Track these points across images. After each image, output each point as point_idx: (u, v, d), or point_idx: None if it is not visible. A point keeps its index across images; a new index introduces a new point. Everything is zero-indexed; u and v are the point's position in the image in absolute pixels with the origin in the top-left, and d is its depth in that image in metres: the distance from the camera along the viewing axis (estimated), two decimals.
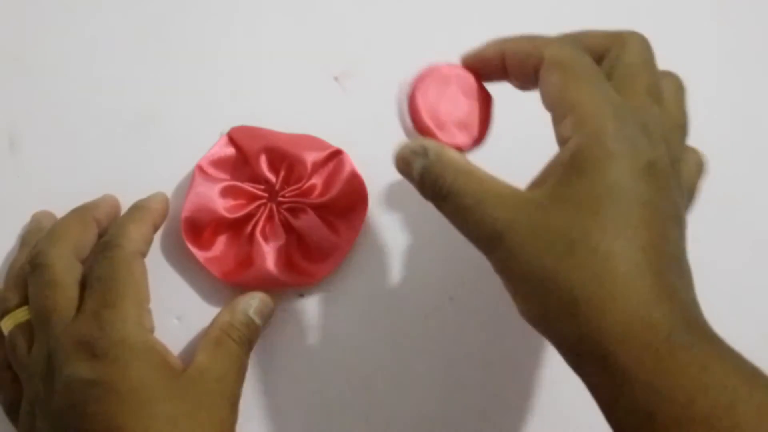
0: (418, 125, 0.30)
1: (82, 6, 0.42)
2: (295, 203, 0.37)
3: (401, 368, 0.38)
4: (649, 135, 0.27)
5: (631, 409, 0.25)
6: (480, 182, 0.28)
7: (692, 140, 0.42)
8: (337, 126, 0.39)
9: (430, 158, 0.28)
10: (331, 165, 0.38)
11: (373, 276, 0.39)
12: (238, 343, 0.33)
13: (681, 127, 0.30)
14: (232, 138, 0.38)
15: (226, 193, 0.37)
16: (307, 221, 0.37)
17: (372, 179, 0.38)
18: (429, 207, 0.40)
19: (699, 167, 0.32)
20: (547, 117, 0.29)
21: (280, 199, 0.37)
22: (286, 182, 0.38)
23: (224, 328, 0.34)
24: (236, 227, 0.37)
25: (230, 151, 0.38)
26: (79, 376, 0.29)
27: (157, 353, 0.31)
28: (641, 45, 0.29)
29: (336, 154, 0.38)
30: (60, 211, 0.37)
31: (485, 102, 0.32)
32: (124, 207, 0.37)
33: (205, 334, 0.34)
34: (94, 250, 0.33)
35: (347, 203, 0.38)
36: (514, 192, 0.27)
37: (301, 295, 0.38)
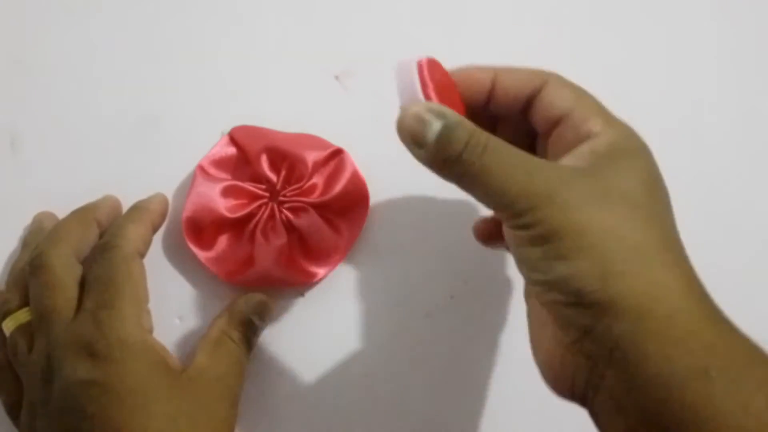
0: (427, 96, 0.28)
1: (82, 7, 0.42)
2: (296, 203, 0.37)
3: (402, 367, 0.38)
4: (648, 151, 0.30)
5: (687, 368, 0.24)
6: (516, 148, 0.27)
7: (693, 140, 0.42)
8: (337, 125, 0.39)
9: (453, 119, 0.27)
10: (332, 164, 0.38)
11: (374, 275, 0.39)
12: (238, 344, 0.34)
13: None
14: (233, 138, 0.38)
15: (228, 192, 0.37)
16: (308, 221, 0.37)
17: (373, 178, 0.38)
18: (429, 206, 0.40)
19: None
20: None
21: (281, 198, 0.38)
22: (287, 182, 0.38)
23: (224, 328, 0.34)
24: (237, 227, 0.37)
25: (231, 150, 0.38)
26: (78, 376, 0.30)
27: (155, 353, 0.31)
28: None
29: (337, 154, 0.38)
30: (61, 211, 0.37)
31: (464, 110, 0.32)
32: (126, 207, 0.37)
33: (204, 334, 0.34)
34: (93, 251, 0.33)
35: (348, 202, 0.38)
36: (550, 163, 0.28)
37: (302, 295, 0.38)
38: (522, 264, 0.28)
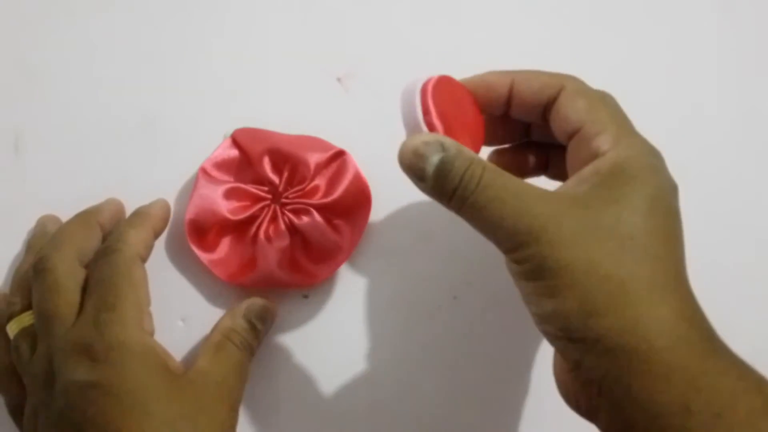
0: (429, 123, 0.29)
1: (84, 11, 0.42)
2: (299, 204, 0.37)
3: (405, 368, 0.38)
4: (664, 161, 0.29)
5: (668, 403, 0.25)
6: (510, 178, 0.27)
7: (693, 140, 0.42)
8: (340, 127, 0.39)
9: (450, 151, 0.27)
10: (334, 166, 0.38)
11: (376, 276, 0.39)
12: (240, 348, 0.34)
13: None
14: (236, 140, 0.38)
15: (230, 195, 0.37)
16: (311, 222, 0.37)
17: (375, 180, 0.38)
18: (432, 207, 0.40)
19: None
20: None
21: (284, 200, 0.38)
22: (290, 183, 0.38)
23: (226, 332, 0.34)
24: (240, 229, 0.37)
25: (233, 153, 0.38)
26: (78, 379, 0.30)
27: (156, 356, 0.31)
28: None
29: (339, 155, 0.38)
30: (65, 214, 0.37)
31: (480, 121, 0.32)
32: (129, 210, 0.38)
33: (206, 338, 0.34)
34: (96, 255, 0.33)
35: (351, 204, 0.38)
36: (549, 191, 0.28)
37: (305, 296, 0.38)
38: (521, 293, 0.28)
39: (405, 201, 0.39)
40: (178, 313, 0.37)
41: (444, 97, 0.29)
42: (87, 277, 0.33)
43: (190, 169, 0.39)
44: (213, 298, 0.38)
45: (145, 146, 0.40)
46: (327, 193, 0.37)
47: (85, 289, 0.33)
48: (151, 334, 0.32)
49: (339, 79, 0.41)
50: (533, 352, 0.38)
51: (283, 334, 0.38)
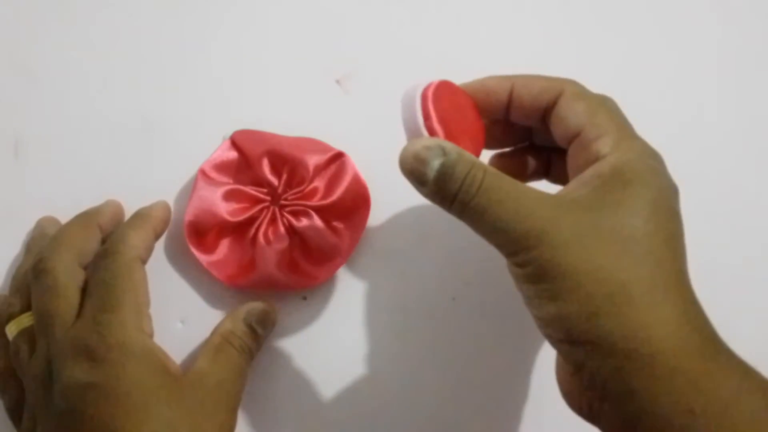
0: (430, 128, 0.29)
1: (84, 13, 0.42)
2: (298, 206, 0.37)
3: (404, 369, 0.38)
4: (664, 164, 0.30)
5: (671, 404, 0.25)
6: (511, 182, 0.27)
7: (694, 141, 0.42)
8: (338, 129, 0.39)
9: (451, 156, 0.27)
10: (333, 168, 0.38)
11: (375, 278, 0.39)
12: (239, 351, 0.34)
13: None
14: (235, 142, 0.38)
15: (229, 196, 0.37)
16: (310, 224, 0.37)
17: (374, 181, 0.38)
18: (431, 208, 0.40)
19: None
20: None
21: (283, 202, 0.38)
22: (289, 185, 0.38)
23: (225, 335, 0.34)
24: (239, 231, 0.37)
25: (233, 154, 0.39)
26: (77, 379, 0.30)
27: (155, 357, 0.31)
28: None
29: (338, 157, 0.38)
30: (64, 216, 0.37)
31: (481, 125, 0.32)
32: (129, 211, 0.38)
33: (206, 340, 0.34)
34: (96, 256, 0.33)
35: (350, 206, 0.38)
36: (549, 194, 0.28)
37: (304, 298, 0.38)
38: (522, 296, 0.29)
39: (404, 203, 0.39)
40: (177, 314, 0.37)
41: (444, 101, 0.30)
42: (87, 278, 0.33)
43: (190, 171, 0.39)
44: (212, 299, 0.38)
45: (144, 148, 0.40)
46: (326, 195, 0.38)
47: (84, 291, 0.33)
48: (151, 335, 0.32)
49: (338, 81, 0.41)
50: (532, 353, 0.38)
51: (282, 336, 0.38)
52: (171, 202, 0.38)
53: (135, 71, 0.41)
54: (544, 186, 0.32)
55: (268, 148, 0.38)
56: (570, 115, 0.30)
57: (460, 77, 0.32)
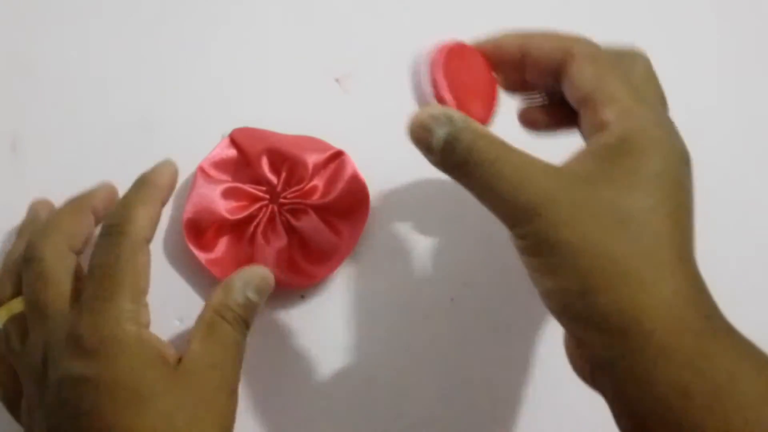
0: (438, 95, 0.29)
1: (83, 9, 0.42)
2: (297, 205, 0.37)
3: (402, 369, 0.38)
4: (674, 130, 0.28)
5: (666, 384, 0.25)
6: (515, 152, 0.27)
7: (694, 140, 0.42)
8: (338, 127, 0.39)
9: (457, 125, 0.27)
10: (332, 166, 0.38)
11: (374, 277, 0.39)
12: (233, 325, 0.32)
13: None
14: (234, 139, 0.38)
15: (228, 194, 0.37)
16: (309, 223, 0.37)
17: (373, 180, 0.38)
18: (429, 208, 0.40)
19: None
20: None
21: (282, 200, 0.38)
22: (288, 184, 0.38)
23: (218, 309, 0.32)
24: (238, 229, 0.37)
25: (232, 152, 0.38)
26: (71, 372, 0.29)
27: (151, 347, 0.30)
28: (648, 62, 0.31)
29: (337, 156, 0.38)
30: None
31: (493, 84, 0.32)
32: None
33: (199, 316, 0.32)
34: (101, 230, 0.32)
35: (349, 204, 0.38)
36: (553, 166, 0.27)
37: (303, 297, 0.38)
38: (525, 268, 0.28)
39: (403, 202, 0.39)
40: (176, 312, 0.37)
41: (453, 65, 0.29)
42: (91, 255, 0.31)
43: (188, 169, 0.39)
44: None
45: (143, 145, 0.40)
46: (325, 194, 0.37)
47: (77, 276, 0.32)
48: (147, 325, 0.31)
49: (337, 80, 0.41)
50: (531, 354, 0.38)
51: (279, 335, 0.38)
52: (170, 200, 0.38)
53: (134, 68, 0.41)
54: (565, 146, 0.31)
55: (267, 146, 0.38)
56: (578, 80, 0.29)
57: None
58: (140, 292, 0.31)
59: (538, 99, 0.33)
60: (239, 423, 0.32)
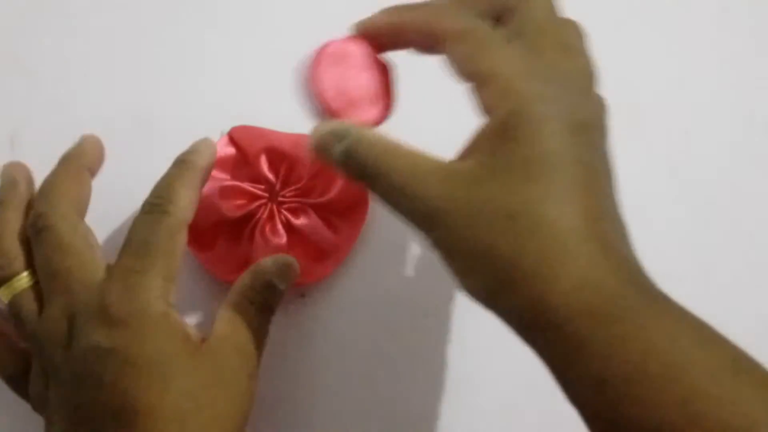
0: (326, 108, 0.29)
1: (82, 8, 0.42)
2: (296, 203, 0.37)
3: (402, 367, 0.38)
4: (571, 93, 0.27)
5: (584, 376, 0.24)
6: (407, 158, 0.27)
7: (694, 141, 0.42)
8: None
9: (351, 139, 0.27)
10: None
11: (374, 275, 0.39)
12: (258, 309, 0.32)
13: (592, 76, 0.29)
14: (233, 138, 0.38)
15: (227, 193, 0.37)
16: (308, 221, 0.37)
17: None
18: None
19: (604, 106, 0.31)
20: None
21: (281, 199, 0.37)
22: (287, 182, 0.38)
23: (244, 292, 0.32)
24: (237, 227, 0.37)
25: (230, 151, 0.38)
26: (97, 343, 0.28)
27: (177, 325, 0.30)
28: (571, 31, 0.29)
29: None
30: None
31: (385, 71, 0.31)
32: (125, 209, 0.37)
33: (225, 299, 0.32)
34: (143, 207, 0.32)
35: (348, 203, 0.38)
36: (444, 166, 0.26)
37: (302, 295, 0.38)
38: None
39: None
40: None
41: (336, 70, 0.29)
42: (130, 230, 0.31)
43: None
44: (208, 296, 0.37)
45: (141, 143, 0.40)
46: (324, 192, 0.37)
47: (90, 243, 0.32)
48: (174, 306, 0.31)
49: None
50: (530, 351, 0.38)
51: (279, 334, 0.38)
52: None
53: (133, 66, 0.41)
54: None
55: (266, 144, 0.38)
56: (454, 64, 0.28)
57: None
58: (172, 272, 0.31)
59: None
60: None
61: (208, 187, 0.37)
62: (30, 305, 0.31)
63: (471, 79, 0.27)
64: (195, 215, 0.36)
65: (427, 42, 0.29)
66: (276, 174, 0.38)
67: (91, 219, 0.34)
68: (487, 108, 0.27)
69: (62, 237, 0.31)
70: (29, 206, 0.34)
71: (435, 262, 0.39)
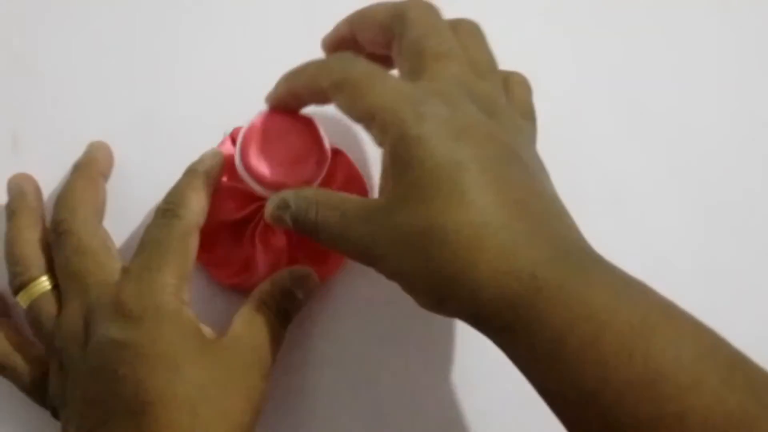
0: (266, 184, 0.33)
1: (84, 8, 0.42)
2: None
3: (403, 368, 0.38)
4: (449, 101, 0.29)
5: (520, 357, 0.27)
6: (337, 208, 0.29)
7: (695, 140, 0.42)
8: (336, 126, 0.39)
9: (293, 207, 0.30)
10: (330, 165, 0.38)
11: (374, 276, 0.38)
12: (276, 315, 0.34)
13: (486, 66, 0.32)
14: (234, 139, 0.38)
15: (226, 195, 0.37)
16: None
17: (372, 179, 0.38)
18: None
19: (524, 86, 0.34)
20: None
21: None
22: None
23: (264, 298, 0.34)
24: (236, 229, 0.37)
25: (230, 151, 0.38)
26: (112, 337, 0.30)
27: (190, 322, 0.31)
28: (420, 11, 0.32)
29: (335, 154, 0.38)
30: None
31: (309, 126, 0.34)
32: (126, 210, 0.38)
33: (245, 303, 0.34)
34: (156, 212, 0.33)
35: None
36: (366, 206, 0.29)
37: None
38: None
39: None
40: None
41: (264, 146, 0.33)
42: (144, 232, 0.33)
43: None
44: (209, 299, 0.38)
45: (143, 144, 0.40)
46: None
47: (108, 247, 0.34)
48: (188, 303, 0.32)
49: None
50: None
51: None
52: None
53: (135, 66, 0.41)
54: None
55: None
56: (340, 109, 0.30)
57: None
58: (185, 272, 0.32)
59: None
60: None
61: None
62: (49, 307, 0.33)
63: (359, 122, 0.30)
64: None
65: (320, 99, 0.32)
66: None
67: None
68: (380, 143, 0.29)
69: (81, 239, 0.33)
70: (40, 216, 0.36)
71: None
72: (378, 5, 0.33)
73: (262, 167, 0.33)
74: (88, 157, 0.37)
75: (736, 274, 0.40)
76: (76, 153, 0.39)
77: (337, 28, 0.35)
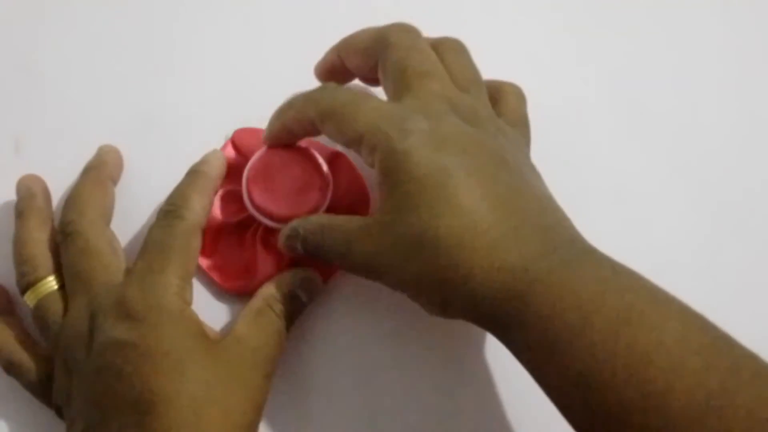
0: (273, 218, 0.34)
1: (85, 9, 0.42)
2: None
3: (404, 368, 0.38)
4: (431, 115, 0.30)
5: (521, 351, 0.29)
6: (341, 230, 0.31)
7: (696, 140, 0.42)
8: None
9: (302, 236, 0.33)
10: (331, 167, 0.38)
11: None
12: (279, 316, 0.34)
13: (469, 80, 0.34)
14: (235, 142, 0.38)
15: (228, 198, 0.37)
16: None
17: (373, 180, 0.38)
18: None
19: (516, 95, 0.35)
20: None
21: None
22: None
23: (267, 299, 0.34)
24: (238, 233, 0.37)
25: (231, 155, 0.38)
26: (116, 337, 0.30)
27: (192, 322, 0.32)
28: (401, 34, 0.34)
29: (336, 156, 0.38)
30: None
31: (306, 155, 0.35)
32: (128, 211, 0.38)
33: (248, 304, 0.34)
34: (159, 214, 0.34)
35: (349, 206, 0.37)
36: (366, 224, 0.31)
37: None
38: None
39: None
40: None
41: (267, 184, 0.35)
42: (148, 233, 0.33)
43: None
44: (210, 303, 0.38)
45: (145, 147, 0.40)
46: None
47: (114, 248, 0.34)
48: (190, 304, 0.33)
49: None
50: None
51: None
52: None
53: (137, 69, 0.41)
54: None
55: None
56: (330, 138, 0.32)
57: None
58: (188, 272, 0.33)
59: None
60: None
61: None
62: (55, 307, 0.33)
63: (349, 146, 0.32)
64: None
65: (310, 130, 0.33)
66: None
67: None
68: (370, 163, 0.31)
69: (88, 240, 0.33)
70: (49, 217, 0.36)
71: None
72: (362, 32, 0.35)
73: (268, 204, 0.34)
74: (98, 160, 0.38)
75: (736, 274, 0.40)
76: (78, 155, 0.40)
77: (326, 57, 0.37)
